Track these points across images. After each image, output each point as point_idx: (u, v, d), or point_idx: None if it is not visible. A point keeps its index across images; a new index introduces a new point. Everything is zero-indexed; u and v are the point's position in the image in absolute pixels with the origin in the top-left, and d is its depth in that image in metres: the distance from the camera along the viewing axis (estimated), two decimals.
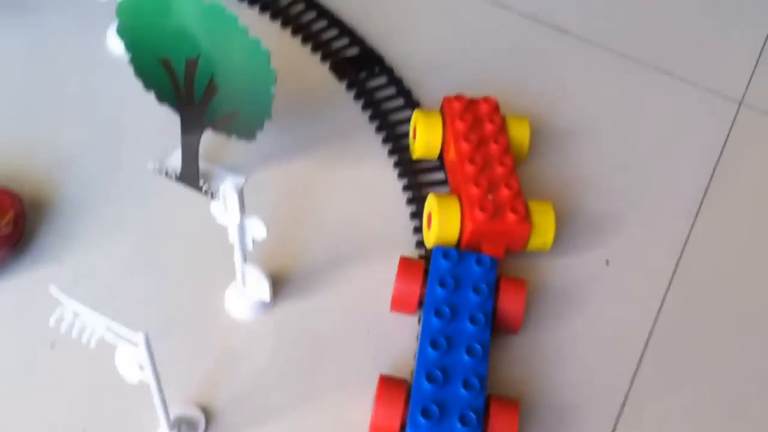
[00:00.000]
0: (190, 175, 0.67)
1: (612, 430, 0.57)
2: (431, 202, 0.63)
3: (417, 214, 0.67)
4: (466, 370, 0.54)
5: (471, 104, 0.69)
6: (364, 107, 0.74)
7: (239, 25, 0.57)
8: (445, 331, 0.56)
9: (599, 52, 0.83)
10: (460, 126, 0.66)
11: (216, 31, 0.59)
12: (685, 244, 0.68)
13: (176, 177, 0.68)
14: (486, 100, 0.69)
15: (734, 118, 0.78)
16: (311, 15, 0.81)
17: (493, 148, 0.65)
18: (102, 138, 0.70)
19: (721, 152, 0.75)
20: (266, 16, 0.81)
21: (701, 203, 0.71)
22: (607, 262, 0.66)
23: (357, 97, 0.75)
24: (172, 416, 0.51)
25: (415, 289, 0.59)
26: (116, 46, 0.73)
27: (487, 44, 0.82)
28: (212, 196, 0.66)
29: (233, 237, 0.55)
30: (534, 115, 0.74)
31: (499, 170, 0.64)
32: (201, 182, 0.67)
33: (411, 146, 0.71)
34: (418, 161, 0.71)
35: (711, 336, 0.63)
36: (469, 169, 0.64)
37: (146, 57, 0.63)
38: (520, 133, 0.69)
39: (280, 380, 0.57)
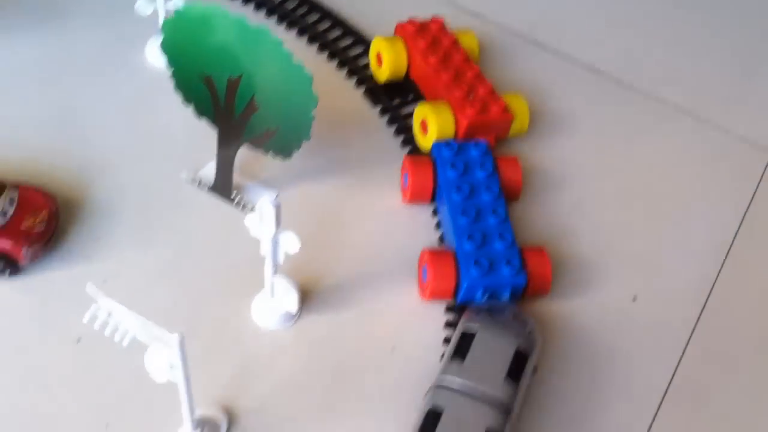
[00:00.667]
0: (223, 186, 0.68)
1: None
2: (424, 109, 0.71)
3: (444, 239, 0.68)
4: (496, 229, 0.63)
5: (423, 26, 0.77)
6: (397, 133, 0.75)
7: (283, 49, 0.59)
8: (467, 204, 0.64)
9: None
10: (422, 43, 0.74)
11: (259, 53, 0.60)
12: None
13: (209, 188, 0.68)
14: (434, 20, 0.77)
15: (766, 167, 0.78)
16: (348, 41, 0.82)
17: (456, 57, 0.74)
18: (137, 146, 0.71)
19: (752, 198, 0.75)
20: (303, 40, 0.82)
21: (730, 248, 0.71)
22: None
23: (390, 122, 0.76)
24: (195, 416, 0.51)
25: (428, 177, 0.67)
26: (156, 58, 0.75)
27: None
28: (243, 208, 0.67)
29: (265, 249, 0.56)
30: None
31: (469, 74, 0.72)
32: (233, 194, 0.67)
33: (375, 74, 0.78)
34: None
35: None
36: (445, 76, 0.72)
37: (188, 72, 0.64)
38: (469, 43, 0.78)
39: (303, 390, 0.58)
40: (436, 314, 0.63)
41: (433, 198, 0.69)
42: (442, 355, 0.59)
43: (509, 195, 0.68)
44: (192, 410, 0.49)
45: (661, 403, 0.60)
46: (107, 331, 0.45)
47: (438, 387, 0.53)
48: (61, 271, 0.62)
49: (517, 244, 0.63)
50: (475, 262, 0.60)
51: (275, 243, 0.55)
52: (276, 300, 0.61)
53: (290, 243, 0.54)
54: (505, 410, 0.51)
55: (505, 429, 0.51)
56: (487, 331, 0.55)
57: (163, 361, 0.46)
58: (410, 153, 0.73)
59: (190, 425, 0.51)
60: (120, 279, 0.62)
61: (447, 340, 0.61)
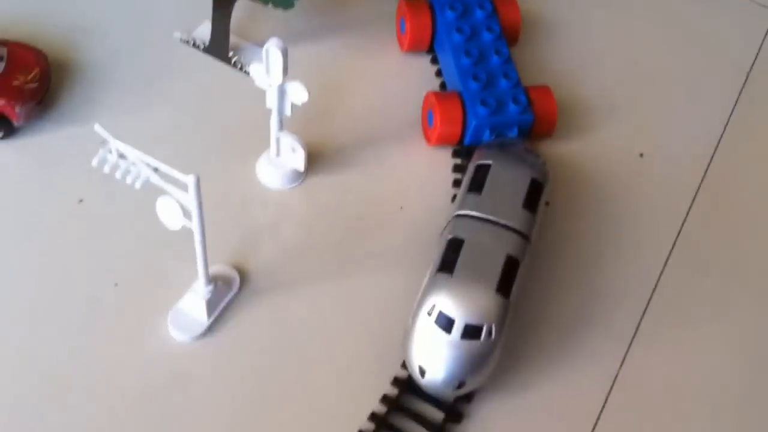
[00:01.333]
0: (220, 46, 0.65)
1: None
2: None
3: None
4: (500, 69, 0.62)
5: None
6: None
7: None
8: (469, 45, 0.63)
9: None
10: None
11: None
12: None
13: (204, 48, 0.66)
14: None
15: None
16: None
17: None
18: (129, 6, 0.67)
19: (755, 59, 0.74)
20: None
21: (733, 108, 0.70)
22: None
23: None
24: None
25: (426, 22, 0.65)
26: None
27: None
28: (241, 69, 0.65)
29: (271, 101, 0.54)
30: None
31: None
32: (230, 55, 0.65)
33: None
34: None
35: None
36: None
37: None
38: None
39: (312, 249, 0.57)
40: (443, 167, 0.62)
41: (431, 47, 0.67)
42: (453, 198, 0.58)
43: (508, 38, 0.66)
44: (206, 259, 0.48)
45: (668, 257, 0.60)
46: (118, 174, 0.43)
47: (457, 217, 0.52)
48: (56, 133, 0.60)
49: (521, 83, 0.62)
50: (481, 102, 0.60)
51: (282, 93, 0.53)
52: (282, 158, 0.59)
53: (298, 92, 0.53)
54: (524, 238, 0.51)
55: (524, 257, 0.51)
56: (501, 162, 0.55)
57: (174, 208, 0.45)
58: None
59: (204, 278, 0.50)
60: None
61: (457, 183, 0.60)
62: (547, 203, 0.56)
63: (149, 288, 0.53)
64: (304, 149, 0.58)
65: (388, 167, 0.62)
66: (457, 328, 0.47)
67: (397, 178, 0.62)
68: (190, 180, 0.42)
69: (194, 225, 0.45)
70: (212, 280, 0.52)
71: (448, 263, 0.49)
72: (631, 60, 0.73)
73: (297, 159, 0.58)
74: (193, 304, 0.52)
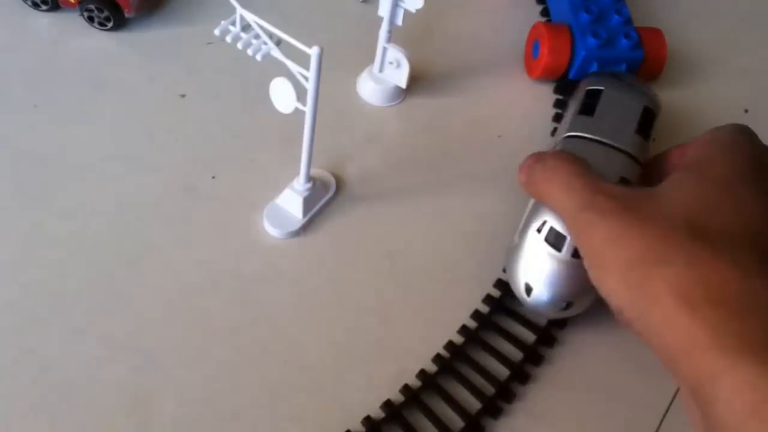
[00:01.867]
0: None
1: None
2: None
3: None
4: (612, 6, 0.61)
5: None
6: None
7: None
8: None
9: None
10: None
11: None
12: None
13: None
14: None
15: None
16: None
17: None
18: None
19: None
20: None
21: None
22: None
23: None
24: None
25: None
26: None
27: None
28: None
29: (384, 7, 0.53)
30: None
31: None
32: None
33: None
34: None
35: None
36: None
37: None
38: None
39: (408, 165, 0.56)
40: (544, 101, 0.61)
41: None
42: (553, 131, 0.57)
43: None
44: (311, 147, 0.48)
45: None
46: (240, 44, 0.43)
47: (567, 138, 0.51)
48: (163, 30, 0.61)
49: (632, 21, 0.60)
50: (592, 33, 0.58)
51: None
52: (384, 74, 0.58)
53: None
54: (636, 163, 0.49)
55: (635, 181, 0.49)
56: (613, 88, 0.53)
57: (290, 90, 0.44)
58: None
59: (305, 170, 0.50)
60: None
61: (558, 118, 0.59)
62: (653, 138, 0.55)
63: (246, 183, 0.53)
64: (409, 63, 0.57)
65: (488, 96, 0.61)
66: (568, 246, 0.45)
67: (496, 107, 0.61)
68: (313, 52, 0.41)
69: (308, 105, 0.44)
70: (312, 178, 0.51)
71: None
72: (747, 18, 0.71)
73: (401, 74, 0.58)
74: (289, 201, 0.51)
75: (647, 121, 0.52)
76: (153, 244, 0.49)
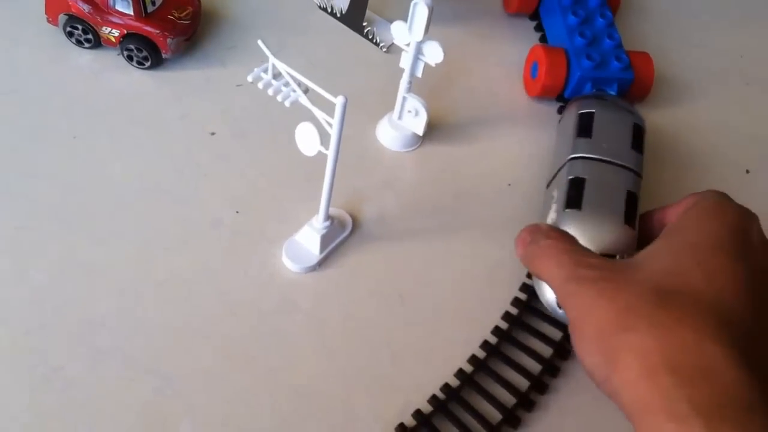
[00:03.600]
0: (355, 16, 0.68)
1: None
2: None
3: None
4: (605, 30, 0.66)
5: None
6: None
7: None
8: (576, 7, 0.67)
9: None
10: None
11: None
12: None
13: (340, 16, 0.69)
14: None
15: None
16: None
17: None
18: None
19: None
20: None
21: None
22: None
23: None
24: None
25: None
26: None
27: None
28: (372, 39, 0.68)
29: (405, 60, 0.57)
30: None
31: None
32: (364, 24, 0.68)
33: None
34: None
35: None
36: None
37: None
38: None
39: (421, 209, 0.59)
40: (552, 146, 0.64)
41: (535, 12, 0.73)
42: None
43: (611, 8, 0.70)
44: (330, 189, 0.51)
45: None
46: (270, 91, 0.46)
47: (572, 160, 0.54)
48: (197, 71, 0.64)
49: (623, 45, 0.65)
50: (586, 56, 0.63)
51: (418, 51, 0.55)
52: (403, 121, 0.62)
53: (434, 52, 0.55)
54: (637, 176, 0.54)
55: (640, 193, 0.53)
56: (603, 109, 0.57)
57: (315, 135, 0.47)
58: None
59: (324, 210, 0.53)
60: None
61: None
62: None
63: (268, 219, 0.56)
64: (427, 113, 0.60)
65: (499, 145, 0.64)
66: None
67: (507, 156, 0.64)
68: (338, 101, 0.44)
69: (331, 150, 0.47)
70: (329, 218, 0.54)
71: (574, 199, 0.52)
72: (734, 55, 0.77)
73: (418, 122, 0.61)
74: (308, 238, 0.54)
75: (639, 136, 0.56)
76: (178, 274, 0.52)
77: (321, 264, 0.55)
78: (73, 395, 0.46)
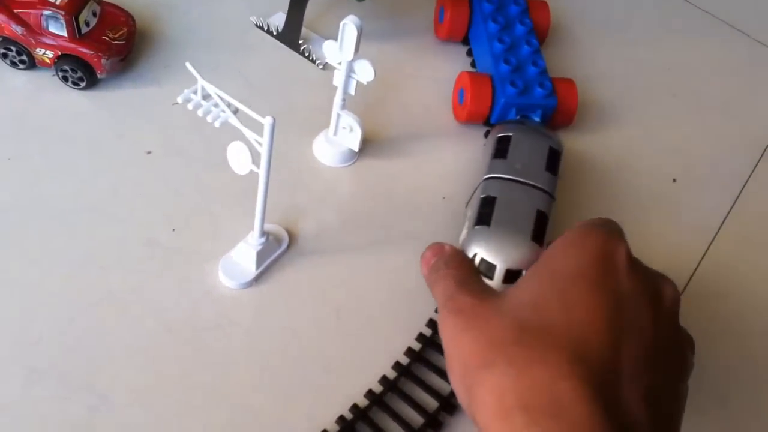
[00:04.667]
0: (291, 34, 0.70)
1: None
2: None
3: None
4: (529, 57, 0.67)
5: None
6: None
7: None
8: (503, 34, 0.68)
9: None
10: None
11: None
12: None
13: (277, 34, 0.70)
14: None
15: None
16: None
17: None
18: None
19: None
20: None
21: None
22: None
23: None
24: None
25: (464, 12, 0.72)
26: None
27: None
28: (308, 56, 0.69)
29: (338, 78, 0.58)
30: None
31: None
32: (300, 42, 0.70)
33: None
34: None
35: None
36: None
37: None
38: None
39: (357, 223, 0.60)
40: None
41: (466, 38, 0.75)
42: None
43: (538, 36, 0.72)
44: (264, 207, 0.52)
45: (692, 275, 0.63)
46: (200, 112, 0.47)
47: (487, 180, 0.57)
48: (132, 90, 0.65)
49: (548, 72, 0.67)
50: (510, 83, 0.65)
51: (349, 69, 0.57)
52: (338, 137, 0.63)
53: (365, 71, 0.57)
54: (549, 196, 0.56)
55: (551, 213, 0.55)
56: (520, 134, 0.60)
57: (246, 153, 0.48)
58: None
59: (259, 227, 0.54)
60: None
61: None
62: (559, 177, 0.60)
63: (204, 236, 0.57)
64: (361, 129, 0.61)
65: (433, 159, 0.66)
66: (499, 273, 0.50)
67: (441, 170, 0.65)
68: (266, 121, 0.45)
69: (262, 168, 0.48)
70: (266, 233, 0.55)
71: (484, 217, 0.54)
72: (661, 70, 0.79)
73: (353, 138, 0.62)
74: (244, 254, 0.55)
75: (554, 159, 0.58)
76: (113, 292, 0.53)
77: (257, 279, 0.56)
78: (7, 415, 0.46)
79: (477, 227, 0.54)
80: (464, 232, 0.55)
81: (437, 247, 0.48)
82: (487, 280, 0.51)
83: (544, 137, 0.60)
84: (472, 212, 0.56)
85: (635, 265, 0.40)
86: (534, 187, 0.56)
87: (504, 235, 0.53)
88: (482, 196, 0.56)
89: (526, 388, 0.35)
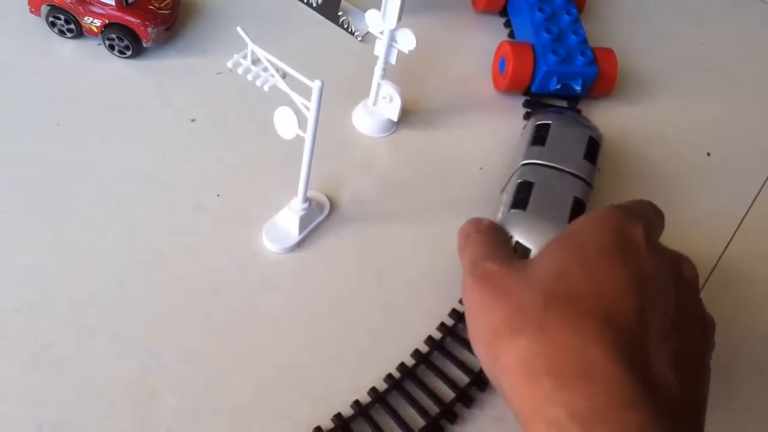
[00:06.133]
0: (331, 6, 0.70)
1: None
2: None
3: None
4: (570, 27, 0.68)
5: None
6: None
7: None
8: (543, 4, 0.70)
9: None
10: None
11: None
12: None
13: (317, 6, 0.71)
14: None
15: None
16: None
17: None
18: None
19: None
20: None
21: None
22: None
23: None
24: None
25: None
26: None
27: None
28: (347, 29, 0.70)
29: (380, 48, 0.59)
30: None
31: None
32: (339, 15, 0.70)
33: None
34: None
35: None
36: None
37: None
38: None
39: (396, 191, 0.61)
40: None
41: (504, 9, 0.76)
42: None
43: (577, 6, 0.73)
44: (309, 171, 0.53)
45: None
46: (250, 77, 0.48)
47: (524, 165, 0.57)
48: (177, 60, 0.66)
49: (588, 41, 0.68)
50: (552, 51, 0.65)
51: (391, 38, 0.58)
52: (378, 107, 0.64)
53: (407, 39, 0.57)
54: (587, 184, 0.56)
55: (588, 201, 0.55)
56: (560, 121, 0.60)
57: (293, 118, 0.49)
58: None
59: (302, 193, 0.55)
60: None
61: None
62: (599, 168, 0.61)
63: (248, 202, 0.58)
64: (401, 99, 0.62)
65: (472, 131, 0.67)
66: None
67: (479, 141, 0.66)
68: (315, 85, 0.46)
69: (308, 133, 0.49)
70: (309, 199, 0.56)
71: (521, 201, 0.54)
72: (696, 45, 0.80)
73: (393, 108, 0.63)
74: (287, 219, 0.56)
75: (593, 149, 0.58)
76: (162, 255, 0.54)
77: (300, 245, 0.57)
78: (63, 371, 0.48)
79: (513, 211, 0.54)
80: (499, 216, 0.55)
81: (476, 221, 0.49)
82: None
83: (584, 127, 0.60)
84: (507, 197, 0.56)
85: (654, 246, 0.41)
86: (572, 174, 0.56)
87: (540, 219, 0.53)
88: (519, 180, 0.56)
89: (555, 353, 0.36)
